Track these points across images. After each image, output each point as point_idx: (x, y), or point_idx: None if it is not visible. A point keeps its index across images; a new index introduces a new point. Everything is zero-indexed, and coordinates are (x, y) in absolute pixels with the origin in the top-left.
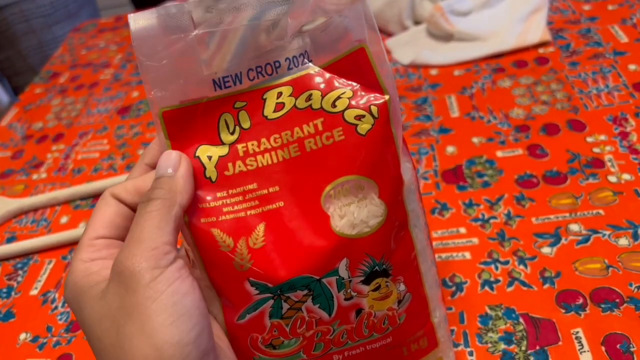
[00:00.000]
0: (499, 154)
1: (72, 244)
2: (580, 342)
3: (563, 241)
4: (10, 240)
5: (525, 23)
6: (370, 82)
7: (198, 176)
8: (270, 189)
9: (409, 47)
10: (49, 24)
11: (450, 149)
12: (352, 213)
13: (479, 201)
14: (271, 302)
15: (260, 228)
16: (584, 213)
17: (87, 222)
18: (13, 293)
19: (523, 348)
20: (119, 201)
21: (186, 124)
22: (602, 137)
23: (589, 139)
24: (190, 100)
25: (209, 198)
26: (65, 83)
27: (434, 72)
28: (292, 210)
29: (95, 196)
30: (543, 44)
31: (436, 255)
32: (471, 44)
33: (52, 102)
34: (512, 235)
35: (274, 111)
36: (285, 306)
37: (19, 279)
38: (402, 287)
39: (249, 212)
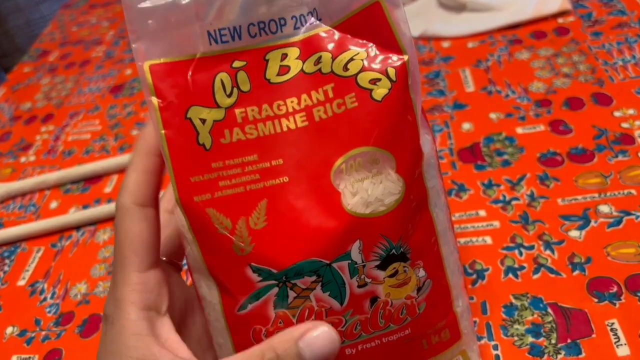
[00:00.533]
0: (519, 130)
1: (62, 230)
2: (616, 334)
3: (592, 224)
4: None
5: None
6: (387, 41)
7: (190, 142)
8: (273, 162)
9: (419, 19)
10: (36, 2)
11: (466, 126)
12: (366, 190)
13: (499, 181)
14: (276, 290)
15: (262, 206)
16: (614, 193)
17: (117, 243)
18: None
19: (553, 341)
20: (147, 207)
21: (176, 81)
22: (631, 111)
23: (617, 114)
24: (182, 54)
25: (202, 169)
26: (55, 61)
27: (446, 44)
28: (298, 187)
29: (86, 179)
30: (562, 14)
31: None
32: (485, 14)
33: (42, 81)
34: (536, 218)
35: (278, 74)
36: (292, 294)
37: (6, 268)
38: (422, 272)
39: (248, 187)
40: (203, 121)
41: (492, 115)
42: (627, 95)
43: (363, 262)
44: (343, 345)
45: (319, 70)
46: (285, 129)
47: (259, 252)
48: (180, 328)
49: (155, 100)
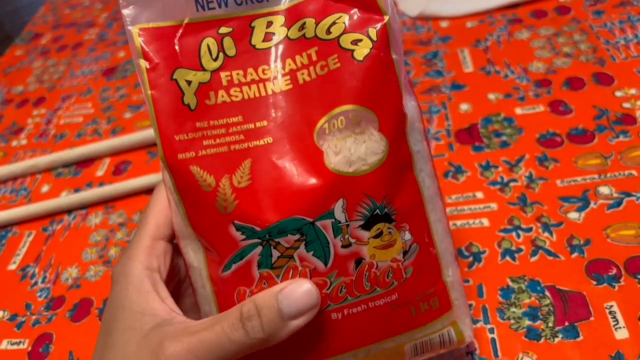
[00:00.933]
0: (518, 111)
1: (54, 214)
2: (614, 317)
3: (592, 205)
4: None
5: None
6: (368, 4)
7: (175, 102)
8: (258, 124)
9: None
10: None
11: (464, 107)
12: (349, 149)
13: (497, 163)
14: (259, 248)
15: (246, 165)
16: (615, 174)
17: (145, 213)
18: None
19: (550, 324)
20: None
21: (163, 45)
22: (632, 91)
23: (618, 93)
24: (170, 20)
25: (186, 128)
26: (47, 44)
27: (444, 24)
28: (282, 147)
29: (78, 163)
30: None
31: (451, 223)
32: None
33: (34, 64)
34: (534, 200)
35: (263, 41)
36: (276, 254)
37: None
38: (408, 235)
39: (232, 147)
40: (189, 82)
41: (491, 96)
42: (628, 75)
43: (347, 221)
44: (328, 309)
45: (303, 35)
46: (269, 92)
47: (243, 210)
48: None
49: (143, 62)
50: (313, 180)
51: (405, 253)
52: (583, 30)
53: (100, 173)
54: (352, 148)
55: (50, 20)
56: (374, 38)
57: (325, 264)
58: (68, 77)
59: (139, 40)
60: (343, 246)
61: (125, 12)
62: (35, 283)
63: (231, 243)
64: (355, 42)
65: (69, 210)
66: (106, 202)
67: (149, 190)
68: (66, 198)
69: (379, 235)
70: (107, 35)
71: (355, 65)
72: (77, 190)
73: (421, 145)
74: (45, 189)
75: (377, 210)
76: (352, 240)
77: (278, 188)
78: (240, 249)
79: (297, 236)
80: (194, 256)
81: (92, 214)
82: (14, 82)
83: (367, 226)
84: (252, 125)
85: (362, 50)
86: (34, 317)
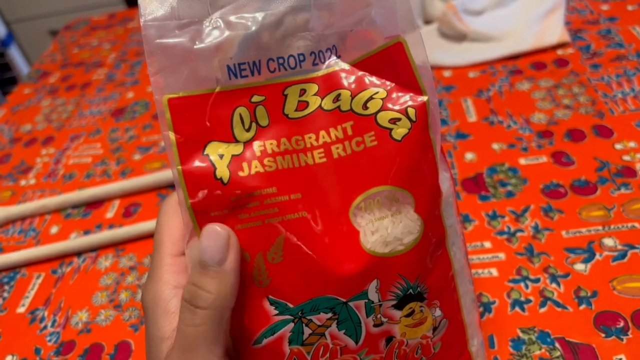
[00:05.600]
0: (522, 161)
1: (63, 256)
2: None
3: (597, 257)
4: None
5: (542, 23)
6: (407, 81)
7: (207, 177)
8: (292, 196)
9: None
10: None
11: (469, 156)
12: (386, 228)
13: (504, 212)
14: (291, 325)
15: (280, 241)
16: (618, 226)
17: (157, 234)
18: None
19: None
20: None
21: (195, 116)
22: (632, 144)
23: (618, 146)
24: (201, 88)
25: (221, 204)
26: (55, 83)
27: (447, 73)
28: (317, 222)
29: (87, 204)
30: (562, 45)
31: None
32: (486, 45)
33: (42, 103)
34: (541, 250)
35: (296, 110)
36: (307, 331)
37: (5, 294)
38: (438, 312)
39: (267, 221)
40: (221, 156)
41: (495, 146)
42: (627, 128)
43: (380, 301)
44: None
45: (338, 107)
46: (303, 164)
47: (276, 286)
48: None
49: (172, 135)
50: (348, 261)
51: (435, 329)
52: (581, 83)
53: (110, 215)
54: (389, 228)
55: (59, 59)
56: (413, 118)
57: (357, 343)
58: (77, 116)
59: (169, 112)
60: (375, 325)
61: (154, 79)
62: (45, 327)
63: (264, 316)
64: (393, 120)
65: (78, 253)
66: (116, 245)
67: None
68: (76, 240)
69: (410, 314)
70: (115, 76)
71: (393, 144)
72: (86, 232)
73: (453, 218)
74: (54, 230)
75: (410, 290)
76: (384, 320)
77: (311, 266)
78: (273, 323)
79: (330, 315)
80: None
81: (102, 256)
82: (22, 120)
83: (399, 306)
84: (286, 197)
85: (400, 130)
86: None
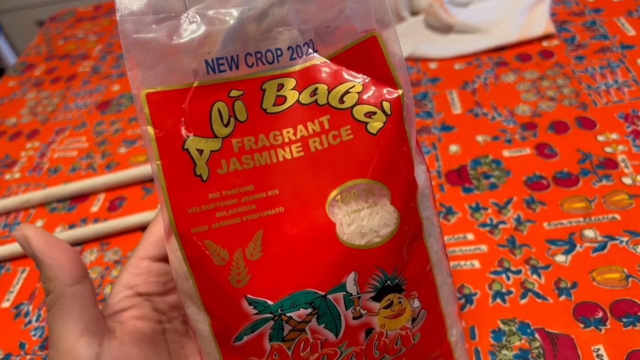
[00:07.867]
0: (506, 153)
1: None
2: None
3: (578, 248)
4: None
5: (528, 14)
6: (382, 75)
7: (186, 174)
8: (269, 192)
9: (407, 39)
10: None
11: (453, 148)
12: (362, 220)
13: (487, 204)
14: (271, 323)
15: (258, 236)
16: (599, 218)
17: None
18: None
19: None
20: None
21: (173, 110)
22: (614, 136)
23: (600, 138)
24: (180, 83)
25: (199, 200)
26: (40, 76)
27: (433, 65)
28: (294, 217)
29: (73, 198)
30: (547, 37)
31: None
32: (472, 36)
33: (27, 96)
34: (523, 242)
35: (274, 105)
36: (287, 327)
37: None
38: (417, 303)
39: (244, 218)
40: (200, 152)
41: (479, 138)
42: (609, 120)
43: (358, 293)
44: None
45: (315, 101)
46: (281, 159)
47: (255, 284)
48: None
49: (151, 130)
50: (325, 253)
51: (413, 320)
52: (566, 74)
53: (95, 209)
54: (366, 219)
55: (44, 52)
56: (388, 112)
57: (337, 336)
58: (62, 109)
59: (147, 106)
60: (354, 318)
61: (131, 74)
62: (29, 322)
63: (243, 316)
64: (369, 114)
65: None
66: (101, 239)
67: (144, 228)
68: (61, 234)
69: (389, 305)
70: (101, 68)
71: (368, 138)
72: (71, 226)
73: (430, 210)
74: (39, 224)
75: (388, 282)
76: (363, 312)
77: (290, 260)
78: (252, 322)
79: (309, 310)
80: (202, 326)
81: (87, 250)
82: (6, 113)
83: (378, 297)
84: (264, 194)
85: (376, 124)
86: (28, 357)
